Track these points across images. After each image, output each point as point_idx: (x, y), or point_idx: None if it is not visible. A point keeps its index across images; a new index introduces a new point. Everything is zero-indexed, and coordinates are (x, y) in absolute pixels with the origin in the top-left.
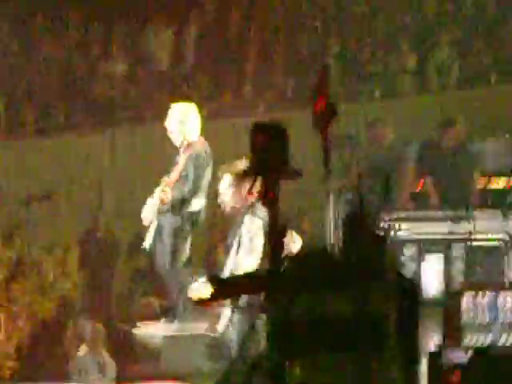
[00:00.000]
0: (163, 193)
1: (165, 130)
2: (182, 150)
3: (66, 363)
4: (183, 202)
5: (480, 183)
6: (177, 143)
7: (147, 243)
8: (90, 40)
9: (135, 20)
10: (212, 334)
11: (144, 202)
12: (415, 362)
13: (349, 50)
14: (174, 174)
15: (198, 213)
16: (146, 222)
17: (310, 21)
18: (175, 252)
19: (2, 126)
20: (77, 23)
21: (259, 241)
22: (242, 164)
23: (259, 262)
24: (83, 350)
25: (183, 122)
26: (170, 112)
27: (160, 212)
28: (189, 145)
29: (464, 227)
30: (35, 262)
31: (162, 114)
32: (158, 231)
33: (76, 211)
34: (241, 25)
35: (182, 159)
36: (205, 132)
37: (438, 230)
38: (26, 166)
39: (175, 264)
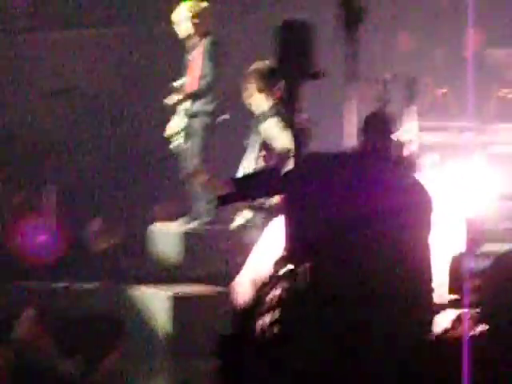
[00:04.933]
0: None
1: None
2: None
3: None
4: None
5: (500, 94)
6: (184, 34)
7: (174, 144)
8: None
9: None
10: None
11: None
12: None
13: None
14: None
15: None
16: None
17: None
18: (202, 152)
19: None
20: None
21: (279, 143)
22: (266, 64)
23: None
24: None
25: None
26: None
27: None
28: (201, 37)
29: (483, 138)
30: None
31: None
32: (186, 133)
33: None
34: None
35: (196, 55)
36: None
37: (457, 140)
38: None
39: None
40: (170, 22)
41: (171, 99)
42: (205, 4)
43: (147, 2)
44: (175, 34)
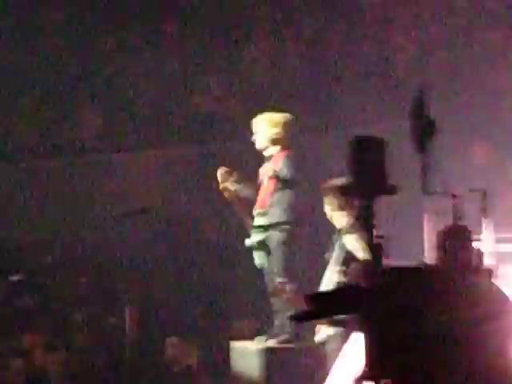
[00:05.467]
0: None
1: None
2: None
3: None
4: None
5: None
6: (260, 146)
7: (257, 261)
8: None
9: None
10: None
11: None
12: None
13: None
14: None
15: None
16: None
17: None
18: (283, 267)
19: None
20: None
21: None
22: (342, 181)
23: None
24: None
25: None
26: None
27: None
28: (278, 150)
29: None
30: None
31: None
32: (266, 247)
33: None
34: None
35: (269, 167)
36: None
37: None
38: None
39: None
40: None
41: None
42: (286, 116)
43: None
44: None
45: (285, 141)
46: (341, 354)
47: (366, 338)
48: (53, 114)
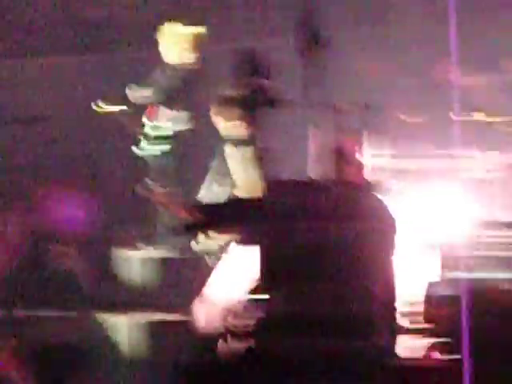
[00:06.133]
0: None
1: None
2: None
3: None
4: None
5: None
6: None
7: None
8: None
9: None
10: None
11: None
12: None
13: None
14: None
15: None
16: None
17: None
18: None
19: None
20: None
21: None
22: (234, 93)
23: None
24: None
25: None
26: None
27: None
28: None
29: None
30: None
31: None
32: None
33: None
34: None
35: None
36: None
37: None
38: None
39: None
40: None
41: None
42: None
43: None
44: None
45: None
46: (220, 263)
47: (260, 250)
48: None
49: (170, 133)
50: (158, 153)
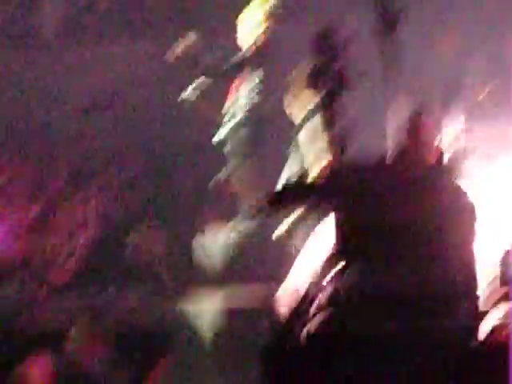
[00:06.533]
0: None
1: None
2: None
3: None
4: None
5: None
6: None
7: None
8: None
9: None
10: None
11: None
12: None
13: None
14: None
15: None
16: None
17: None
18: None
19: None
20: None
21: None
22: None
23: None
24: None
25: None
26: None
27: None
28: None
29: None
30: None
31: None
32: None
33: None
34: None
35: None
36: None
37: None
38: (85, 74)
39: None
40: None
41: None
42: None
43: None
44: None
45: None
46: (304, 247)
47: (336, 221)
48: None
49: (247, 107)
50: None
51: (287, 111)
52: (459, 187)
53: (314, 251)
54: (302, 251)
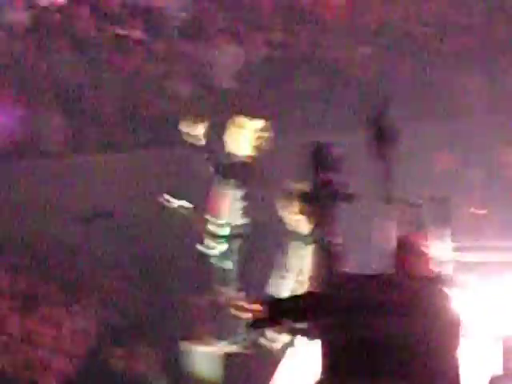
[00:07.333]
0: None
1: None
2: None
3: None
4: None
5: None
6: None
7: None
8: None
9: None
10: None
11: None
12: None
13: None
14: None
15: None
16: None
17: None
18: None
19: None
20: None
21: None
22: (300, 187)
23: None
24: None
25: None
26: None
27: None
28: None
29: None
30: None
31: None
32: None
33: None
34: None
35: None
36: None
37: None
38: (87, 183)
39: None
40: None
41: None
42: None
43: None
44: None
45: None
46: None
47: (322, 345)
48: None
49: (232, 231)
50: (217, 254)
51: (287, 221)
52: (446, 297)
53: (295, 361)
54: (284, 361)
